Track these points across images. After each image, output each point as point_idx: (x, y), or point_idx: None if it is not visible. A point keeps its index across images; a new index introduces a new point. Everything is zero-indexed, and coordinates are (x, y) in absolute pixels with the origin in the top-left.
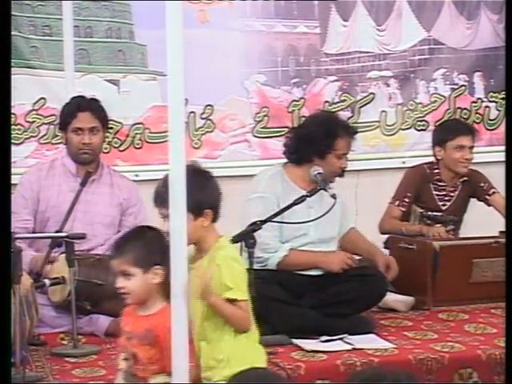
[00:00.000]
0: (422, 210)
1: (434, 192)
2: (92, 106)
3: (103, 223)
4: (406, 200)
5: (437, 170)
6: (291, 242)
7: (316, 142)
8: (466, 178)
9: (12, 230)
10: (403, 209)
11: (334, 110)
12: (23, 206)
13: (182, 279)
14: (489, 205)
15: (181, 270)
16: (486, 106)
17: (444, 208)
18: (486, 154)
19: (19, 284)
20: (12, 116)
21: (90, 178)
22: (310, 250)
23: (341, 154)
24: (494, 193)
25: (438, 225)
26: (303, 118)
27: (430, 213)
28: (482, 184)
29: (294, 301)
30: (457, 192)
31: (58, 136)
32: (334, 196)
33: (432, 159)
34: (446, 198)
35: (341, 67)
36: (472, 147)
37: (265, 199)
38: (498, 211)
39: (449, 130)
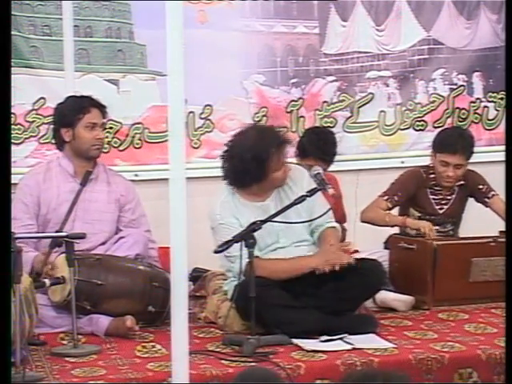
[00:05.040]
0: (419, 214)
1: (431, 196)
2: (99, 103)
3: (103, 220)
4: (395, 198)
5: (433, 175)
6: (264, 250)
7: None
8: (462, 182)
9: (12, 231)
10: (390, 205)
11: (330, 110)
12: (24, 211)
13: (183, 280)
14: (488, 207)
15: (181, 271)
16: (485, 106)
17: (441, 212)
18: (485, 154)
19: (19, 284)
20: (12, 116)
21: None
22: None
23: None
24: (493, 195)
25: (437, 227)
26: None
27: (427, 217)
28: (481, 186)
29: (294, 303)
30: (454, 196)
31: None
32: (334, 196)
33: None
34: (443, 202)
35: (340, 67)
36: (459, 165)
37: (225, 225)
38: (497, 214)
39: (440, 142)
